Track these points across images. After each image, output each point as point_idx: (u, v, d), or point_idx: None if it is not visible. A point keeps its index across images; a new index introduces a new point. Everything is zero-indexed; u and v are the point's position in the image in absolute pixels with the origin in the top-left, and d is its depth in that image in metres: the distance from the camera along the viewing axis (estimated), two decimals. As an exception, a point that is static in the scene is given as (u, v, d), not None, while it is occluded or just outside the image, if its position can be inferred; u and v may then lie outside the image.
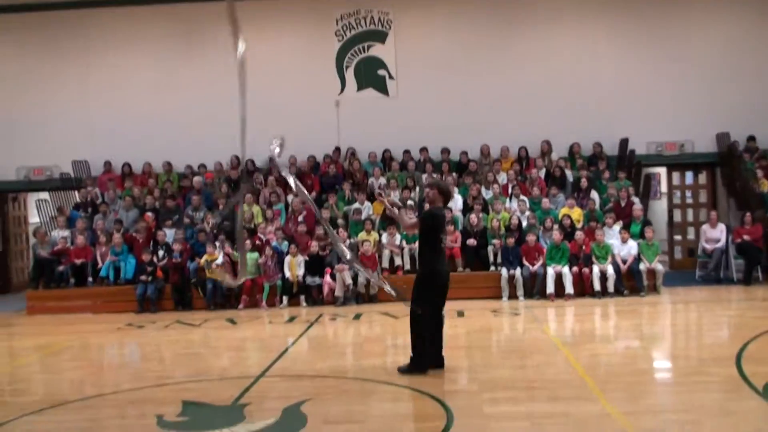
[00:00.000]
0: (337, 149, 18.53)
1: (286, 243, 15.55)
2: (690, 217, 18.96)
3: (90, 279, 15.65)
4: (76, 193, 18.54)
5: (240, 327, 12.93)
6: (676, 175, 18.95)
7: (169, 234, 15.96)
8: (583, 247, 14.85)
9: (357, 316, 13.38)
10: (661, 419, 6.75)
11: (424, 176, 17.57)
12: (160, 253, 15.49)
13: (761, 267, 15.58)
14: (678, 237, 18.95)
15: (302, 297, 14.89)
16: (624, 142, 17.96)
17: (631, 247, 14.88)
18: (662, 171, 19.09)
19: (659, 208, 19.75)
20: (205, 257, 15.00)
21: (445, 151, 18.22)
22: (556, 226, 15.29)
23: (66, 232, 16.43)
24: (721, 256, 15.76)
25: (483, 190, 16.89)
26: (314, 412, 7.14)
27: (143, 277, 15.04)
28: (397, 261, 15.32)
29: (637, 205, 15.93)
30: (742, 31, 18.17)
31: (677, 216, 18.96)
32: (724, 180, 18.24)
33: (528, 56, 18.54)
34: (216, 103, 18.64)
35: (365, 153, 18.44)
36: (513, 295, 14.69)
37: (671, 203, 18.95)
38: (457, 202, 16.49)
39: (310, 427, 6.74)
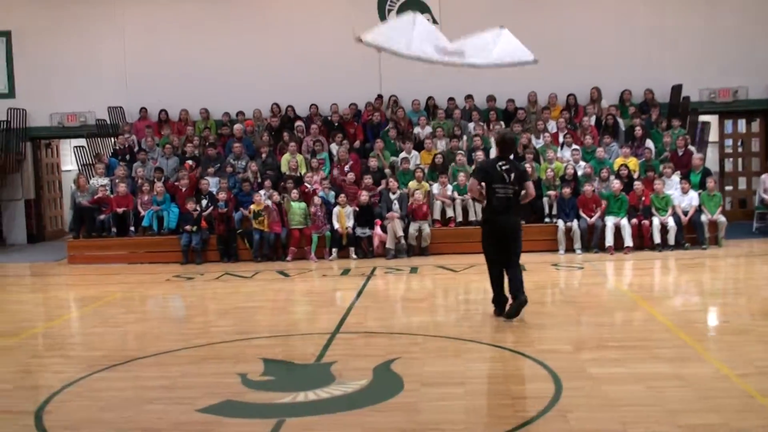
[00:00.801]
0: (380, 97, 17.94)
1: (332, 193, 15.11)
2: (740, 167, 18.39)
3: (132, 228, 15.27)
4: (113, 140, 18.09)
5: (294, 280, 12.56)
6: (728, 123, 18.32)
7: (212, 183, 15.51)
8: (643, 198, 14.34)
9: (414, 270, 12.97)
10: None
11: (471, 125, 17.05)
12: (204, 202, 15.05)
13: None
14: (729, 187, 18.40)
15: (352, 249, 14.48)
16: (676, 89, 17.30)
17: (692, 198, 14.38)
18: (714, 119, 18.41)
19: (708, 156, 19.14)
20: (252, 207, 14.57)
21: (491, 98, 17.63)
22: (613, 177, 14.77)
23: (105, 180, 16.02)
24: (784, 207, 15.26)
25: (533, 139, 16.33)
26: (407, 373, 6.74)
27: (188, 228, 14.64)
28: (449, 212, 14.86)
29: (697, 155, 15.37)
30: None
31: (728, 166, 18.39)
32: (781, 129, 17.64)
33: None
34: (253, 50, 18.21)
35: (408, 101, 17.87)
36: (569, 248, 14.23)
37: (722, 152, 18.37)
38: (507, 151, 15.95)
39: (409, 389, 6.34)
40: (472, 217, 14.68)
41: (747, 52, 17.37)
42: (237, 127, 17.08)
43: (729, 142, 18.41)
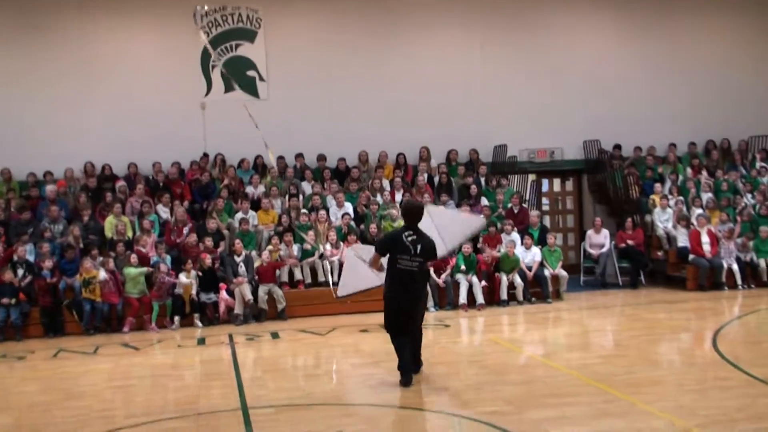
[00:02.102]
0: (205, 155, 17.00)
1: (169, 257, 13.95)
2: (560, 224, 19.28)
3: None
4: None
5: (147, 353, 11.29)
6: (545, 182, 19.20)
7: (27, 250, 13.79)
8: (490, 260, 14.51)
9: (275, 335, 12.13)
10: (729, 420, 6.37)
11: (305, 184, 16.57)
12: (19, 272, 13.33)
13: (644, 271, 16.02)
14: (546, 243, 19.17)
15: (196, 316, 13.36)
16: (500, 148, 17.89)
17: (535, 253, 14.75)
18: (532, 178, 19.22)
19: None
20: (81, 275, 13.06)
21: (322, 157, 17.29)
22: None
23: None
24: (607, 260, 16.01)
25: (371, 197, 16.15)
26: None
27: (4, 300, 12.83)
28: (297, 274, 14.20)
29: (533, 212, 15.88)
30: (606, 44, 18.75)
31: (546, 222, 19.19)
32: (591, 187, 18.68)
33: (403, 62, 18.03)
34: (63, 103, 16.71)
35: (235, 159, 17.07)
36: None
37: (541, 209, 19.15)
38: (347, 209, 15.67)
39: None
40: (321, 278, 14.12)
41: (563, 115, 18.36)
42: (50, 188, 15.41)
43: (545, 200, 19.24)
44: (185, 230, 14.58)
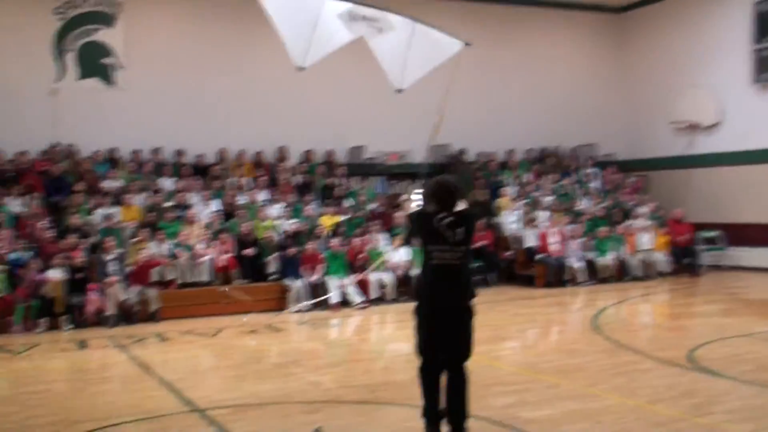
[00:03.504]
0: (54, 145, 15.95)
1: (25, 255, 13.02)
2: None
3: None
4: None
5: (31, 357, 10.47)
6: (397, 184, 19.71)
7: None
8: (362, 255, 14.77)
9: (160, 337, 11.65)
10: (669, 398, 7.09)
11: (165, 180, 16.03)
12: None
13: (497, 270, 16.91)
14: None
15: (64, 317, 12.56)
16: (357, 150, 18.19)
17: (404, 253, 15.16)
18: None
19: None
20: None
21: (181, 152, 16.78)
22: (326, 233, 15.02)
23: None
24: (462, 259, 16.74)
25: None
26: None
27: None
28: (170, 273, 13.72)
29: (398, 213, 16.30)
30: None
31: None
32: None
33: (265, 59, 17.67)
34: None
35: (88, 150, 16.14)
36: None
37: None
38: (212, 206, 15.37)
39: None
40: (192, 278, 13.76)
41: (414, 118, 18.88)
42: None
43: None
44: (42, 225, 13.62)
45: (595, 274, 16.57)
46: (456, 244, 5.83)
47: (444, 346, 5.91)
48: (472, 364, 5.98)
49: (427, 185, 6.17)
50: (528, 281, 16.55)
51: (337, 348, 11.33)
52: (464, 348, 5.92)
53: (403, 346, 10.81)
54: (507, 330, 11.93)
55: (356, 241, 14.91)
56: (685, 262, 17.21)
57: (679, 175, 19.53)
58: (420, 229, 6.00)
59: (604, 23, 21.46)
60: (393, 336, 12.10)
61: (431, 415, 5.98)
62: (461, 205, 6.04)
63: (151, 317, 13.02)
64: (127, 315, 12.87)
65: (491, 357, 9.38)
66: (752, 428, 6.40)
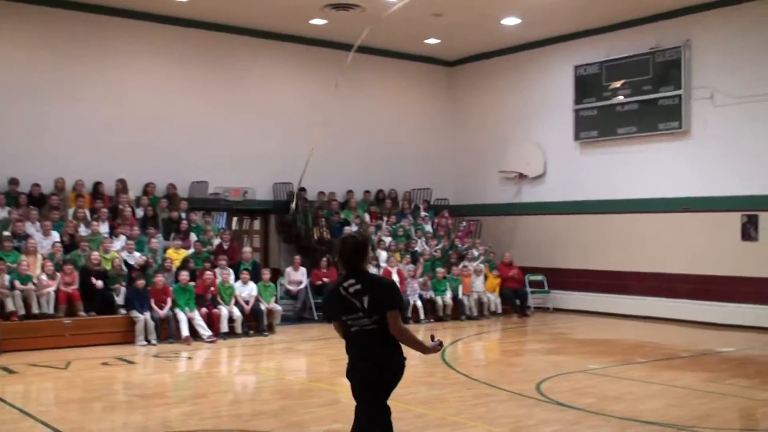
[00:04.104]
0: None
1: None
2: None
3: None
4: None
5: None
6: (235, 220, 19.76)
7: None
8: (211, 288, 14.75)
9: (8, 371, 11.14)
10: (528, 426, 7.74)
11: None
12: None
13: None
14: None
15: None
16: (198, 185, 18.13)
17: (252, 288, 15.28)
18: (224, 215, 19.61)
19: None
20: None
21: (14, 181, 16.06)
22: (174, 267, 14.92)
23: None
24: (305, 296, 17.05)
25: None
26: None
27: None
28: (9, 305, 13.09)
29: (246, 248, 16.39)
30: (300, 91, 19.94)
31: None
32: (278, 227, 19.64)
33: (105, 88, 17.44)
34: None
35: None
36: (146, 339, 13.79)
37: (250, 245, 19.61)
38: (54, 237, 14.84)
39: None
40: (35, 310, 13.24)
41: (256, 155, 19.13)
42: None
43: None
44: None
45: (433, 312, 17.33)
46: (366, 311, 5.23)
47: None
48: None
49: (335, 245, 6.01)
50: (369, 318, 17.02)
51: (198, 380, 11.28)
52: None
53: (263, 378, 11.06)
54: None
55: (207, 275, 14.85)
56: (516, 303, 18.34)
57: (507, 222, 20.83)
58: (333, 305, 5.42)
59: (438, 75, 22.61)
60: (251, 368, 12.18)
61: None
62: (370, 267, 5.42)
63: (-12, 350, 12.39)
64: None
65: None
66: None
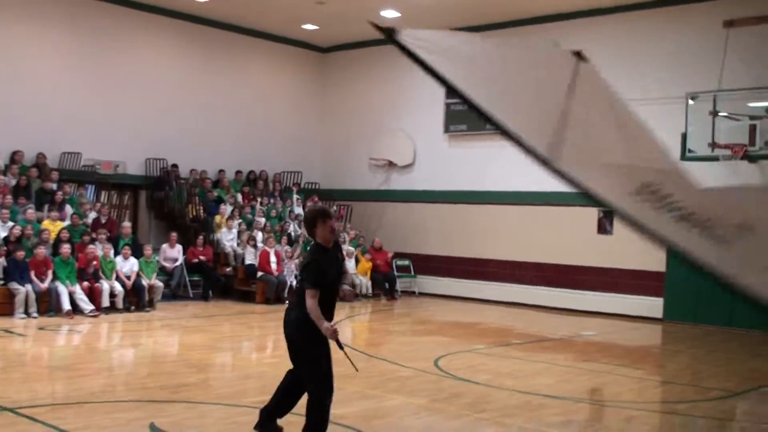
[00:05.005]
0: None
1: None
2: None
3: None
4: None
5: None
6: (104, 194, 19.26)
7: None
8: (94, 263, 14.51)
9: None
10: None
11: None
12: None
13: (215, 285, 17.38)
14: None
15: None
16: (70, 156, 17.62)
17: (133, 263, 15.15)
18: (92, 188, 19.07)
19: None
20: None
21: None
22: (51, 239, 14.57)
23: None
24: (182, 273, 17.03)
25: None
26: None
27: None
28: None
29: (126, 223, 16.16)
30: (175, 68, 19.75)
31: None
32: (150, 202, 19.39)
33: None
34: None
35: None
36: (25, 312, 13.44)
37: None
38: None
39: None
40: None
41: (130, 129, 18.79)
42: None
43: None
44: None
45: (308, 294, 17.72)
46: None
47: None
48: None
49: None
50: (245, 296, 17.27)
51: (102, 353, 11.23)
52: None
53: (167, 351, 11.15)
54: (263, 339, 12.64)
55: (90, 249, 14.57)
56: (385, 286, 19.07)
57: (376, 207, 21.51)
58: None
59: (310, 60, 22.87)
60: (151, 343, 12.20)
61: (269, 412, 6.64)
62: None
63: None
64: None
65: (263, 364, 10.05)
66: (520, 422, 7.83)
